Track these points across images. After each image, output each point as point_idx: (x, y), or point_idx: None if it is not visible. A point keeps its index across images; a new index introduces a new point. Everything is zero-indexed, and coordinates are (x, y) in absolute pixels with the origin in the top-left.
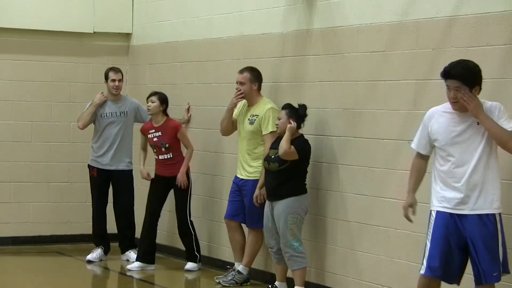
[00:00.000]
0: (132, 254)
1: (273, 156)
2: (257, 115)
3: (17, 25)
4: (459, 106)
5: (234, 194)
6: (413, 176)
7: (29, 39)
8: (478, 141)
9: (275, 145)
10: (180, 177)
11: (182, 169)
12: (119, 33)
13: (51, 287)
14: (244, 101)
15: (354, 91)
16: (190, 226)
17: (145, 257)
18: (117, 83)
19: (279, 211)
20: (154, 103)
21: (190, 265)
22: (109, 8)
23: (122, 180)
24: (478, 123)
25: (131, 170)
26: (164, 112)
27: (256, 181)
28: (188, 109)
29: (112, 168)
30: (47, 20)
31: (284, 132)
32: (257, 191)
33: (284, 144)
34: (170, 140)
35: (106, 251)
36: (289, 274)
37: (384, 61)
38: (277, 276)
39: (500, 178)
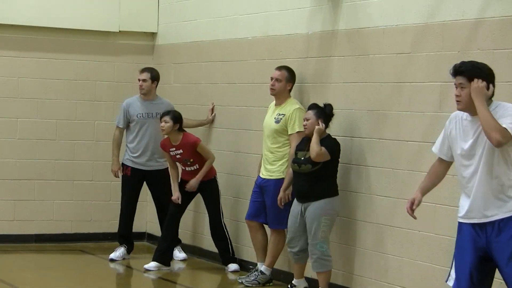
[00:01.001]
0: (176, 252)
1: (302, 158)
2: (284, 115)
3: (43, 23)
4: (462, 106)
5: (256, 194)
6: (427, 177)
7: (55, 37)
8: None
9: (301, 146)
10: (193, 183)
11: (198, 176)
12: (144, 32)
13: (73, 284)
14: (273, 102)
15: (379, 93)
16: (225, 230)
17: (163, 257)
18: (140, 82)
19: (313, 212)
20: (168, 123)
21: (234, 266)
22: (135, 7)
23: (160, 178)
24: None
25: (167, 168)
26: (180, 129)
27: (278, 180)
28: (212, 109)
29: (148, 168)
30: (72, 19)
31: (312, 133)
32: (281, 193)
33: (315, 146)
34: (192, 156)
35: (129, 250)
36: (309, 273)
37: (409, 63)
38: (295, 274)
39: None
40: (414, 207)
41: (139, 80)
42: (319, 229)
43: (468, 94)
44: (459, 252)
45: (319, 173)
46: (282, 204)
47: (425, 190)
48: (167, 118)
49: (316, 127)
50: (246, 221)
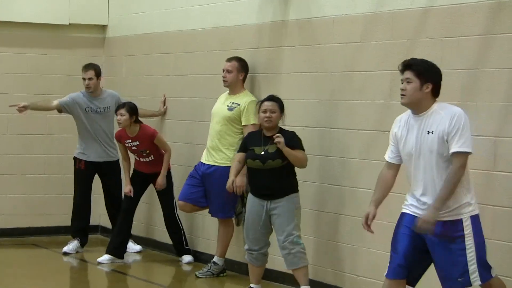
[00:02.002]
0: (130, 244)
1: (263, 153)
2: (238, 104)
3: None
4: (406, 100)
5: (194, 179)
6: (377, 188)
7: (4, 31)
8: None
9: (255, 141)
10: (160, 181)
11: (163, 172)
12: (95, 24)
13: (27, 279)
14: (224, 93)
15: (330, 82)
16: (179, 221)
17: (117, 250)
18: (87, 81)
19: (283, 208)
20: (124, 116)
21: (188, 257)
22: (85, 0)
23: (113, 169)
24: (428, 132)
25: (118, 160)
26: (136, 121)
27: (225, 168)
28: (164, 101)
29: (101, 160)
30: (22, 12)
31: (275, 126)
32: (232, 178)
33: (298, 154)
34: (149, 147)
35: (83, 243)
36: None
37: (359, 52)
38: (253, 279)
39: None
40: (369, 222)
41: (84, 79)
42: (293, 223)
43: (413, 89)
44: None
45: (287, 168)
46: (233, 191)
47: (377, 203)
48: (122, 111)
49: (280, 140)
50: (180, 203)
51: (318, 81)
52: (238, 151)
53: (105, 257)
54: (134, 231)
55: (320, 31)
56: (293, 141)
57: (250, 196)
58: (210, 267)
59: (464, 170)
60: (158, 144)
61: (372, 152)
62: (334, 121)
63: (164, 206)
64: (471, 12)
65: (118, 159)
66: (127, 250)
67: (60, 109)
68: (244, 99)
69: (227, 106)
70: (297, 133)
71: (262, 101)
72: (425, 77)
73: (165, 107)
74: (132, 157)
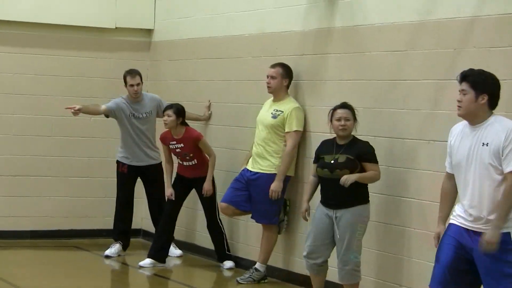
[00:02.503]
0: (172, 248)
1: (332, 161)
2: (282, 111)
3: (39, 19)
4: (462, 112)
5: (238, 183)
6: (442, 203)
7: (51, 33)
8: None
9: (326, 149)
10: (207, 187)
11: (208, 177)
12: (140, 28)
13: (69, 281)
14: (269, 99)
15: (374, 90)
16: (221, 226)
17: (158, 254)
18: (135, 87)
19: (349, 220)
20: (171, 117)
21: (229, 263)
22: (131, 4)
23: (155, 173)
24: (484, 144)
25: (161, 163)
26: (182, 123)
27: (270, 175)
28: (209, 106)
29: (143, 164)
30: (68, 15)
31: (349, 134)
32: (277, 184)
33: (371, 175)
34: (193, 150)
35: (125, 247)
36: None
37: (405, 61)
38: (316, 285)
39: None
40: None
41: (132, 85)
42: (354, 237)
43: (468, 101)
44: None
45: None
46: (274, 197)
47: (445, 217)
48: (170, 112)
49: (345, 182)
50: (223, 205)
51: (362, 89)
52: (314, 162)
53: (146, 261)
54: (176, 235)
55: (366, 39)
56: (367, 154)
57: (318, 205)
58: (252, 273)
59: None
60: (202, 148)
61: (416, 161)
62: (378, 129)
63: (207, 211)
64: None
65: (161, 162)
66: (168, 254)
67: (108, 113)
68: (288, 105)
69: (271, 113)
70: None
71: (335, 109)
72: (481, 88)
73: (209, 112)
74: (175, 161)
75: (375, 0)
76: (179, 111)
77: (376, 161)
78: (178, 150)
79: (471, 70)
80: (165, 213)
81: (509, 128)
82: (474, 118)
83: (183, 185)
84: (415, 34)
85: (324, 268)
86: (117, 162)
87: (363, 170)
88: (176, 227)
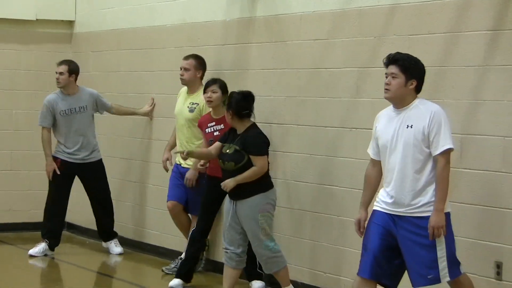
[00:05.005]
0: (113, 246)
1: (228, 151)
2: (198, 104)
3: None
4: (390, 95)
5: (177, 180)
6: (365, 189)
7: None
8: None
9: (225, 137)
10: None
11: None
12: (62, 20)
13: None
14: (184, 88)
15: (297, 79)
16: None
17: (187, 275)
18: (57, 75)
19: (245, 211)
20: (216, 93)
21: (259, 284)
22: None
23: (95, 170)
24: (408, 126)
25: (101, 159)
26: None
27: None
28: (151, 103)
29: (83, 161)
30: None
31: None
32: (192, 173)
33: (249, 175)
34: None
35: (53, 246)
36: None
37: (327, 49)
38: (227, 282)
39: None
40: (361, 229)
41: (56, 73)
42: (258, 228)
43: (398, 85)
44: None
45: (246, 169)
46: (192, 185)
47: (367, 204)
48: (215, 87)
49: (226, 188)
50: (169, 203)
51: (285, 78)
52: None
53: (175, 282)
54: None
55: (288, 28)
56: (251, 146)
57: (227, 198)
58: (177, 264)
59: (449, 166)
60: None
61: (338, 149)
62: (301, 118)
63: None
64: (438, 10)
65: (101, 159)
66: (110, 251)
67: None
68: (202, 96)
69: (188, 107)
70: (264, 130)
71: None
72: (411, 73)
73: (151, 107)
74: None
75: None
76: (225, 86)
77: (260, 154)
78: (216, 133)
79: (399, 53)
80: (198, 224)
81: (432, 110)
82: (401, 101)
83: (217, 190)
84: (336, 23)
85: (242, 260)
86: (52, 157)
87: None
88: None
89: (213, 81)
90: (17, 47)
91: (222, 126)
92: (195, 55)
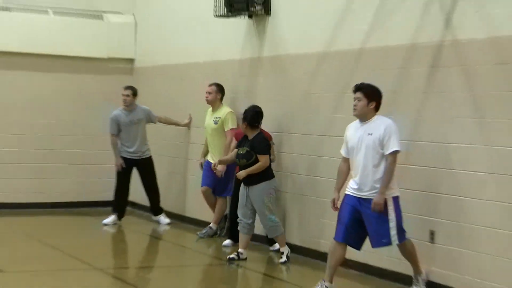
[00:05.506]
0: (162, 218)
1: (241, 152)
2: (220, 118)
3: (57, 52)
4: (357, 113)
5: (208, 172)
6: (338, 178)
7: (63, 61)
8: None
9: (240, 143)
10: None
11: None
12: (125, 58)
13: (76, 236)
14: (210, 108)
15: (292, 101)
16: None
17: (235, 237)
18: (125, 97)
19: (255, 194)
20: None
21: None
22: (118, 39)
23: (147, 164)
24: (369, 134)
25: (151, 156)
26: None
27: None
28: (189, 118)
29: (137, 157)
30: (76, 48)
31: (245, 131)
32: (222, 166)
33: (256, 168)
34: None
35: (120, 217)
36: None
37: (314, 80)
38: (241, 244)
39: None
40: (336, 205)
41: (124, 95)
42: (264, 206)
43: (362, 105)
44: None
45: (253, 164)
46: (222, 175)
47: (339, 189)
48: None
49: (240, 174)
50: (202, 189)
51: (283, 100)
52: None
53: (227, 241)
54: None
55: (285, 64)
56: (256, 147)
57: (242, 185)
58: (207, 230)
59: (396, 163)
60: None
61: (321, 151)
62: (294, 128)
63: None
64: (392, 52)
65: (150, 156)
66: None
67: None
68: (223, 111)
69: (213, 120)
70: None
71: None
72: (371, 97)
73: (188, 121)
74: None
75: (291, 34)
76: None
77: (264, 153)
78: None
79: (363, 83)
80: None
81: (386, 123)
82: (364, 117)
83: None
84: (320, 61)
85: (251, 228)
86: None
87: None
88: None
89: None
90: (92, 77)
91: None
92: (216, 83)
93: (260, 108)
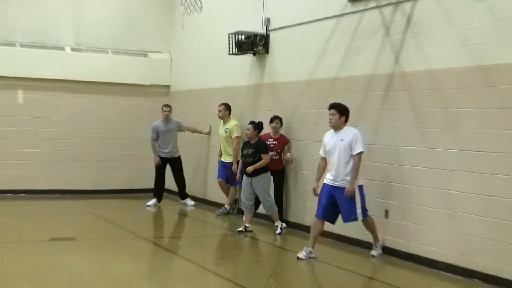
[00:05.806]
0: (189, 201)
1: (246, 153)
2: (228, 128)
3: (110, 79)
4: (332, 125)
5: (222, 168)
6: (318, 171)
7: (118, 88)
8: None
9: (244, 146)
10: (249, 168)
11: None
12: (163, 84)
13: (126, 214)
14: (221, 121)
15: (285, 116)
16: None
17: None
18: (166, 112)
19: (257, 184)
20: (335, 116)
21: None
22: (158, 72)
23: (177, 162)
24: (341, 140)
25: (180, 156)
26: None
27: (231, 163)
28: (209, 128)
29: (170, 156)
30: (126, 77)
31: (249, 138)
32: (235, 166)
33: (261, 164)
34: (280, 147)
35: (159, 200)
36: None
37: (300, 100)
38: (247, 220)
39: None
40: (316, 191)
41: (164, 111)
42: (263, 191)
43: (336, 119)
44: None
45: (256, 162)
46: (237, 174)
47: (318, 179)
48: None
49: (248, 169)
50: (219, 180)
51: (278, 114)
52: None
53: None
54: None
55: (279, 89)
56: (259, 148)
57: (244, 176)
58: (223, 210)
59: (361, 161)
60: (286, 149)
61: (306, 151)
62: (287, 135)
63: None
64: (357, 81)
65: (180, 156)
66: (187, 204)
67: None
68: (231, 124)
69: (224, 131)
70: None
71: (271, 120)
72: (342, 113)
73: (209, 130)
74: None
75: (284, 67)
76: (281, 120)
77: (266, 152)
78: (271, 145)
79: (335, 102)
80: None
81: (354, 132)
82: (338, 127)
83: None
84: (305, 86)
85: (252, 208)
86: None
87: (260, 157)
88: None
89: (276, 117)
90: (139, 98)
91: (276, 142)
92: (224, 103)
93: (262, 123)
